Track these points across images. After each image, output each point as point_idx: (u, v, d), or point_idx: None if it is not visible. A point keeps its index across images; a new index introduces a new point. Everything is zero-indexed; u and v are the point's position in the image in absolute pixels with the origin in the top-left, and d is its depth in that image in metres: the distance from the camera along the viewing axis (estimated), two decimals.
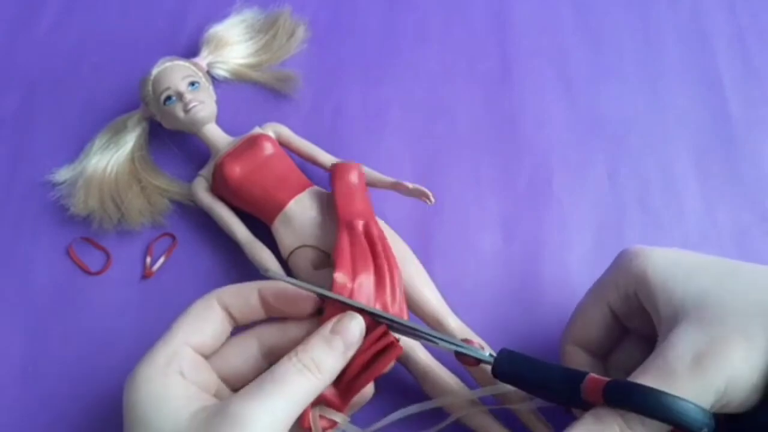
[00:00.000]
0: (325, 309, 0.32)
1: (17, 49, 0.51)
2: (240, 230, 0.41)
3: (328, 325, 0.30)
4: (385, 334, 0.31)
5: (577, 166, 0.46)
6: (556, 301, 0.41)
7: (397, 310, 0.36)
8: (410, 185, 0.40)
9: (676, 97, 0.48)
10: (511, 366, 0.32)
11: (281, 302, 0.32)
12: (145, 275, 0.42)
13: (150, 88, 0.44)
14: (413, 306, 0.38)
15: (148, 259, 0.42)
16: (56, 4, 0.53)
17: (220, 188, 0.42)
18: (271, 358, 0.31)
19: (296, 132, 0.44)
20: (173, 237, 0.43)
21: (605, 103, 0.48)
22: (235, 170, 0.41)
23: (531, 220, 0.44)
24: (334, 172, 0.41)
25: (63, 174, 0.44)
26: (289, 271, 0.40)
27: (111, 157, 0.44)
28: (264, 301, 0.32)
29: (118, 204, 0.43)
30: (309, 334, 0.30)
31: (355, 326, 0.30)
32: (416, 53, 0.50)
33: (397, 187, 0.41)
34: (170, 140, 0.46)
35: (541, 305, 0.41)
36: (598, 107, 0.48)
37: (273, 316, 0.32)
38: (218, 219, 0.42)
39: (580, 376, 0.30)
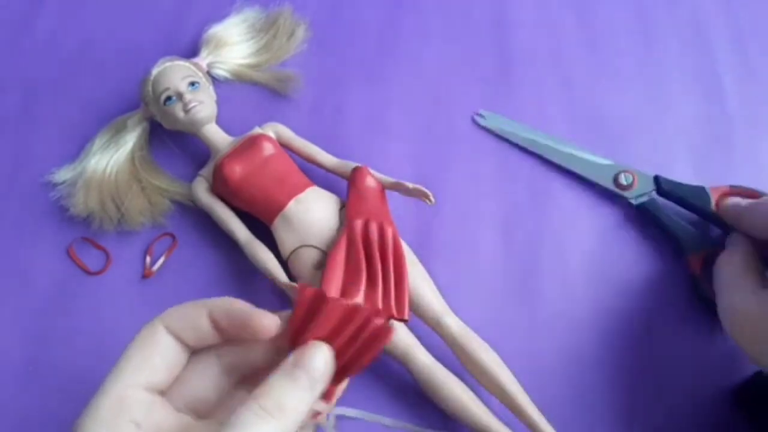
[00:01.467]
0: (289, 324, 0.27)
1: (18, 49, 0.51)
2: (240, 230, 0.41)
3: (290, 359, 0.26)
4: (368, 319, 0.27)
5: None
6: (556, 300, 0.41)
7: (392, 311, 0.36)
8: (410, 185, 0.40)
9: (675, 97, 0.48)
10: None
11: (235, 327, 0.27)
12: (145, 275, 0.42)
13: (150, 88, 0.44)
14: (413, 306, 0.38)
15: (148, 259, 0.42)
16: (56, 4, 0.53)
17: (220, 188, 0.42)
18: (235, 375, 0.28)
19: (296, 132, 0.44)
20: (173, 237, 0.43)
21: (605, 103, 0.48)
22: (235, 170, 0.41)
23: (531, 220, 0.44)
24: (351, 174, 0.41)
25: (63, 174, 0.44)
26: (289, 271, 0.40)
27: (111, 157, 0.44)
28: (216, 325, 0.27)
29: (118, 204, 0.43)
30: (274, 348, 0.27)
31: (320, 358, 0.26)
32: (416, 53, 0.50)
33: (397, 187, 0.41)
34: (170, 140, 0.46)
35: (541, 305, 0.41)
36: (597, 107, 0.48)
37: (230, 339, 0.27)
38: (218, 219, 0.42)
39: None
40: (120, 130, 0.45)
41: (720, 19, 0.51)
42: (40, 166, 0.45)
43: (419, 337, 0.38)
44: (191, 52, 0.48)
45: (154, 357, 0.26)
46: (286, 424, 0.24)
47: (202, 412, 0.27)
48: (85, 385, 0.39)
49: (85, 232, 0.43)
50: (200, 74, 0.45)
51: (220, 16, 0.50)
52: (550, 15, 0.52)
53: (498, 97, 0.48)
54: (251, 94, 0.48)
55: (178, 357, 0.27)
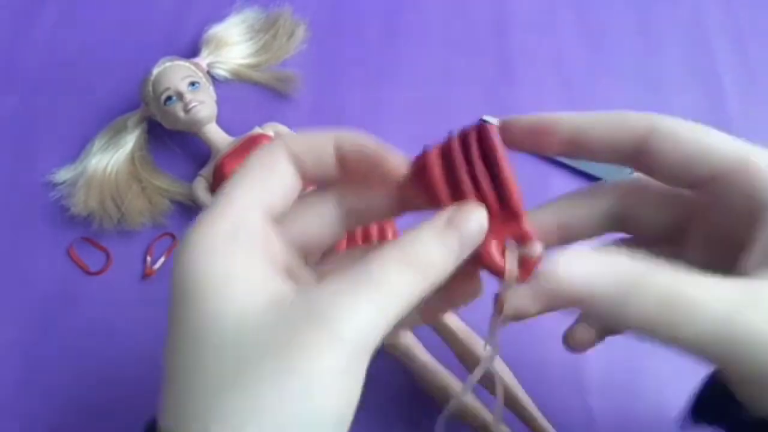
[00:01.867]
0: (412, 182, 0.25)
1: (18, 49, 0.51)
2: None
3: (442, 216, 0.23)
4: (463, 132, 0.26)
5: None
6: None
7: None
8: None
9: (676, 97, 0.48)
10: None
11: (364, 165, 0.24)
12: (146, 275, 0.42)
13: (150, 88, 0.44)
14: None
15: (149, 259, 0.42)
16: (56, 4, 0.53)
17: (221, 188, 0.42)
18: (353, 222, 0.25)
19: (296, 132, 0.44)
20: (173, 237, 0.43)
21: (605, 103, 0.48)
22: (236, 170, 0.40)
23: None
24: None
25: (63, 174, 0.44)
26: None
27: (111, 157, 0.44)
28: (341, 159, 0.24)
29: (118, 204, 0.43)
30: (399, 197, 0.25)
31: (475, 221, 0.23)
32: (416, 53, 0.50)
33: None
34: (170, 140, 0.46)
35: None
36: (597, 107, 0.48)
37: (349, 177, 0.25)
38: None
39: None
40: (120, 130, 0.45)
41: (720, 19, 0.51)
42: (40, 166, 0.45)
43: (419, 337, 0.38)
44: (191, 52, 0.48)
45: (274, 182, 0.24)
46: (426, 280, 0.22)
47: (314, 253, 0.25)
48: (85, 384, 0.39)
49: (85, 232, 0.43)
50: (200, 74, 0.45)
51: (220, 16, 0.50)
52: (550, 15, 0.52)
53: (498, 98, 0.48)
54: (251, 94, 0.48)
55: (295, 186, 0.24)
